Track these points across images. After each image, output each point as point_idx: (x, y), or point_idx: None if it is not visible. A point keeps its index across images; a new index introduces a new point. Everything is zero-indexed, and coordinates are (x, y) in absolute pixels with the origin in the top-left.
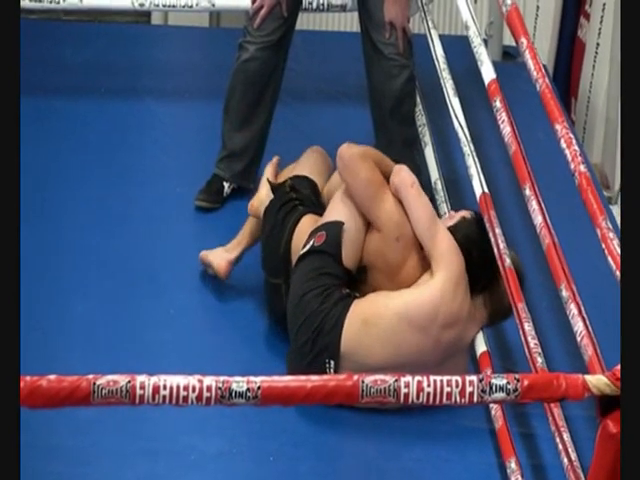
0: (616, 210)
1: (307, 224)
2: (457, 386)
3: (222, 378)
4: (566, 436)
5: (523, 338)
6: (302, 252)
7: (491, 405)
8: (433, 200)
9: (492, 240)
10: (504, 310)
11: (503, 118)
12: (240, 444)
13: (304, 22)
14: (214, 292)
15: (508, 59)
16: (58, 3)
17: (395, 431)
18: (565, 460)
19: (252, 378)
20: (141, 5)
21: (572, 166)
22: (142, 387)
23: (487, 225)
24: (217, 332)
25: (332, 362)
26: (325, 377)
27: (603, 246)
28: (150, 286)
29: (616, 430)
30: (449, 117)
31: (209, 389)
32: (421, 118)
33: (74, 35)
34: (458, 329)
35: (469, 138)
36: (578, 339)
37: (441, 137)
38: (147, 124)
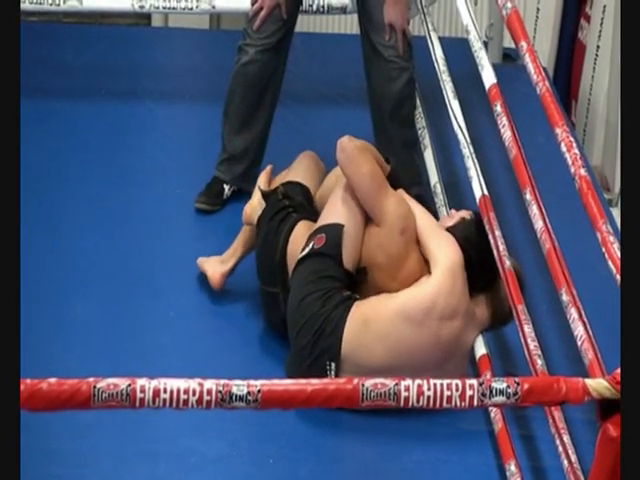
0: (616, 212)
1: (301, 230)
2: (457, 390)
3: (222, 381)
4: (566, 439)
5: (523, 341)
6: (302, 255)
7: (491, 408)
8: (433, 204)
9: (492, 242)
10: (504, 314)
11: (504, 123)
12: (240, 447)
13: (304, 24)
14: (214, 295)
15: (508, 61)
16: (58, 5)
17: (395, 433)
18: (565, 463)
19: (252, 381)
20: (141, 7)
21: (572, 170)
22: (142, 390)
23: (487, 227)
24: (217, 335)
25: (333, 364)
26: (325, 381)
27: (603, 250)
28: (150, 288)
29: (616, 434)
30: (449, 119)
31: (209, 392)
32: (421, 121)
33: (74, 37)
34: (457, 324)
35: (469, 140)
36: (578, 343)
37: (441, 140)
38: (147, 126)
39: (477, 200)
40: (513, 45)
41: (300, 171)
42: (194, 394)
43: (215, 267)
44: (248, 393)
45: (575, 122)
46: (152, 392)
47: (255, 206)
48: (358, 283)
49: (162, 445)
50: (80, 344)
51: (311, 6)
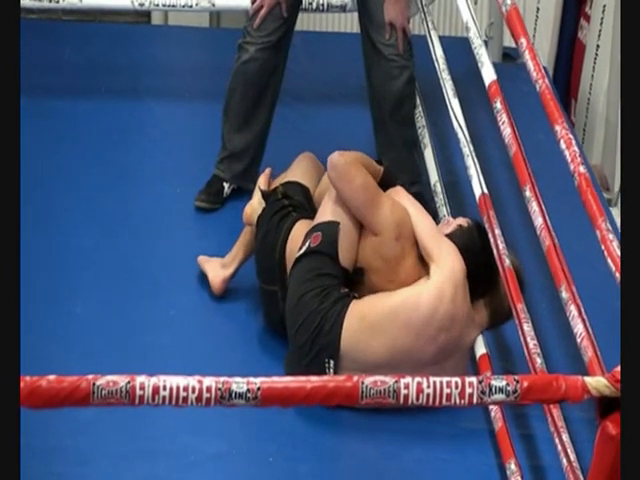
0: (616, 212)
1: (301, 229)
2: (457, 387)
3: (222, 379)
4: (565, 437)
5: (522, 339)
6: (298, 254)
7: (491, 406)
8: (433, 202)
9: (491, 241)
10: (504, 313)
11: (503, 119)
12: (239, 445)
13: (304, 23)
14: (214, 293)
15: (508, 60)
16: (58, 2)
17: (395, 432)
18: (564, 461)
19: (252, 379)
20: (141, 5)
21: (572, 167)
22: (142, 388)
23: (486, 225)
24: (217, 333)
25: (332, 361)
26: (325, 378)
27: (603, 247)
28: (150, 287)
29: (615, 432)
30: (449, 118)
31: (209, 390)
32: (420, 120)
33: (74, 35)
34: (455, 332)
35: (469, 139)
36: (578, 340)
37: (441, 138)
38: (147, 124)
39: (477, 198)
40: (513, 44)
41: (299, 171)
42: (194, 391)
43: (216, 271)
44: (248, 390)
45: (575, 121)
46: (151, 389)
47: (255, 206)
48: (356, 283)
49: (161, 443)
50: (80, 343)
51: (311, 4)
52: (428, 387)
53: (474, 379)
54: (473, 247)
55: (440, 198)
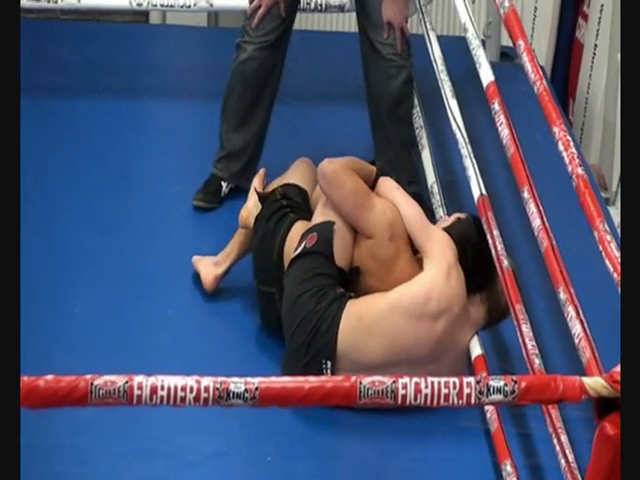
0: (614, 211)
1: (298, 230)
2: (455, 388)
3: (220, 379)
4: (564, 438)
5: (521, 339)
6: (294, 255)
7: (487, 408)
8: (430, 203)
9: (490, 242)
10: (501, 310)
11: (501, 120)
12: (237, 444)
13: (302, 22)
14: (212, 293)
15: (506, 60)
16: (56, 2)
17: (392, 431)
18: (562, 461)
19: (250, 379)
20: (139, 5)
21: (570, 168)
22: (140, 387)
23: (485, 227)
24: (215, 333)
25: (329, 362)
26: (323, 378)
27: (600, 248)
28: (148, 286)
29: (613, 432)
30: (447, 118)
31: (207, 390)
32: (418, 120)
33: (72, 34)
34: (452, 317)
35: (467, 139)
36: (576, 341)
37: (439, 139)
38: (145, 123)
39: (475, 199)
40: (511, 44)
41: (297, 175)
42: (191, 391)
43: (209, 268)
44: (246, 390)
45: (573, 121)
46: (149, 389)
47: (251, 209)
48: (351, 283)
49: (159, 442)
50: (78, 343)
51: (309, 4)
52: (426, 387)
53: (472, 379)
54: (469, 237)
55: (437, 199)
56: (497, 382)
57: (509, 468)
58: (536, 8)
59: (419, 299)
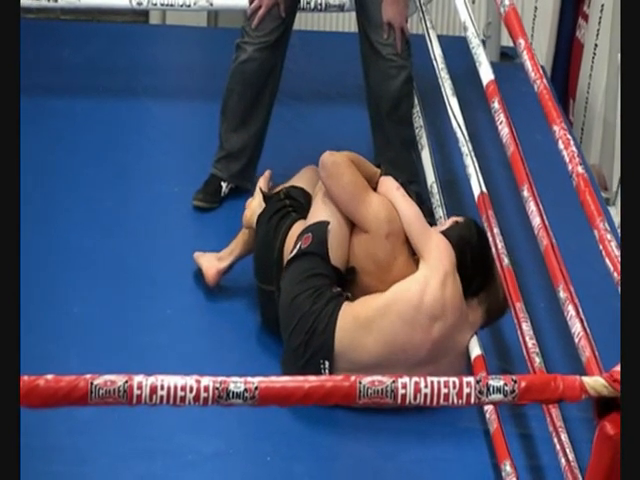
0: (614, 211)
1: (298, 230)
2: (454, 387)
3: (220, 378)
4: (564, 437)
5: (521, 338)
6: (290, 256)
7: (486, 408)
8: (429, 203)
9: (490, 239)
10: (500, 308)
11: (501, 119)
12: (237, 444)
13: (302, 22)
14: (212, 292)
15: (506, 60)
16: (56, 2)
17: (391, 431)
18: (563, 461)
19: (249, 379)
20: (139, 4)
21: (570, 167)
22: (139, 387)
23: (485, 225)
24: (214, 332)
25: (327, 362)
26: (322, 378)
27: (601, 247)
28: (147, 286)
29: (613, 432)
30: (447, 117)
31: (206, 389)
32: (418, 120)
33: (72, 34)
34: (449, 321)
35: (467, 138)
36: (576, 340)
37: (439, 138)
38: (145, 123)
39: (476, 198)
40: (511, 44)
41: (303, 179)
42: (191, 391)
43: (211, 262)
44: (245, 390)
45: (573, 121)
46: (149, 389)
47: (255, 209)
48: (348, 282)
49: (159, 442)
50: (77, 342)
51: (309, 4)
52: (426, 387)
53: (472, 379)
54: (468, 241)
55: (436, 199)
56: (497, 382)
57: (508, 468)
58: (536, 8)
59: (412, 302)
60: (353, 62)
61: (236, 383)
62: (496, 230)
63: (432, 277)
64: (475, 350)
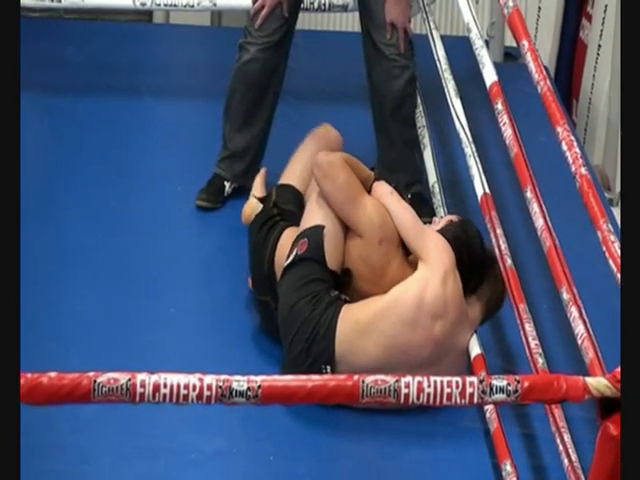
0: (617, 212)
1: (288, 238)
2: (457, 387)
3: (223, 377)
4: (567, 437)
5: (524, 339)
6: (287, 263)
7: (486, 407)
8: (432, 203)
9: (493, 240)
10: (498, 299)
11: (504, 120)
12: (239, 443)
13: (305, 22)
14: (215, 291)
15: (509, 60)
16: (60, 2)
17: (393, 432)
18: (565, 461)
19: (252, 377)
20: (143, 4)
21: (573, 168)
22: (142, 385)
23: (488, 225)
24: (217, 331)
25: (328, 367)
26: (325, 377)
27: (604, 248)
28: (151, 285)
29: (616, 432)
30: (450, 118)
31: (209, 388)
32: (420, 120)
33: (75, 33)
34: (450, 320)
35: (470, 139)
36: (579, 341)
37: (442, 138)
38: (148, 123)
39: (479, 198)
40: (514, 44)
41: (296, 173)
42: (194, 389)
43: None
44: (248, 389)
45: (576, 121)
46: (152, 387)
47: (254, 206)
48: (344, 285)
49: (162, 441)
50: (80, 341)
51: (312, 4)
52: (429, 386)
53: (475, 379)
54: (464, 239)
55: (438, 199)
56: (500, 381)
57: (509, 468)
58: (540, 8)
59: (412, 302)
60: (356, 62)
61: (239, 382)
62: (499, 231)
63: (432, 276)
64: (475, 349)
